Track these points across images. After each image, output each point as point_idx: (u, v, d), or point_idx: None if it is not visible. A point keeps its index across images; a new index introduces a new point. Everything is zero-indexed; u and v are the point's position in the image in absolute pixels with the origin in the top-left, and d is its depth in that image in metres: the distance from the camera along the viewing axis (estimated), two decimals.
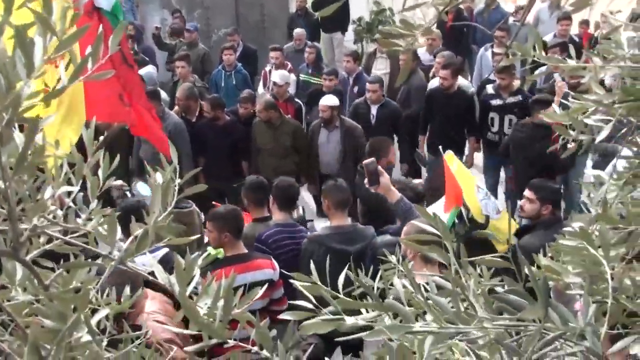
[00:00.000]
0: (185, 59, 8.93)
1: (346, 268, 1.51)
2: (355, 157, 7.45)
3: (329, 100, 7.68)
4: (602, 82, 1.96)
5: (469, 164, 8.17)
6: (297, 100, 8.61)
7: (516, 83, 7.78)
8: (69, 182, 1.34)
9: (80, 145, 1.57)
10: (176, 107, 7.95)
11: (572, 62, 1.90)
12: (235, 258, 4.38)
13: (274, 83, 8.48)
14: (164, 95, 8.46)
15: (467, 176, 5.26)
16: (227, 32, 11.61)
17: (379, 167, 4.36)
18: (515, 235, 4.99)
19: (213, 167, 6.92)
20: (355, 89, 9.05)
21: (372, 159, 4.30)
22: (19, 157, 1.11)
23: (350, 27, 13.17)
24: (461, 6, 10.96)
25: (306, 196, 8.39)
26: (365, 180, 4.36)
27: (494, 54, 9.62)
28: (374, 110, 8.03)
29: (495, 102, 7.76)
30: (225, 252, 4.38)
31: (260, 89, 9.90)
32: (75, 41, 1.11)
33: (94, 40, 1.29)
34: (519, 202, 5.47)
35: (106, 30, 1.55)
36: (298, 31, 11.04)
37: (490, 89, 7.89)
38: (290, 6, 14.40)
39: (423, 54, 9.77)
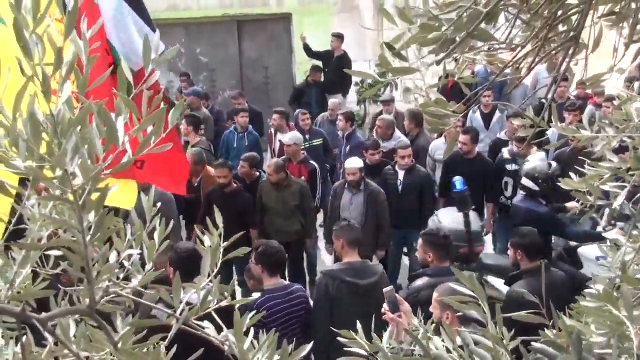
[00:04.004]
0: (185, 120, 9.03)
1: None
2: (377, 221, 7.36)
3: (357, 162, 7.50)
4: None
5: (487, 230, 8.13)
6: (312, 162, 8.47)
7: (533, 150, 7.67)
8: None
9: None
10: None
11: (586, 133, 2.03)
12: None
13: (285, 144, 8.41)
14: None
15: None
16: (232, 96, 11.82)
17: (397, 296, 4.39)
18: (507, 283, 5.43)
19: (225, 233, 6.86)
20: (347, 148, 9.17)
21: (391, 287, 4.33)
22: (96, 224, 1.21)
23: (353, 89, 13.43)
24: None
25: (323, 251, 8.40)
26: (386, 308, 4.35)
27: (492, 108, 9.80)
28: (401, 176, 7.84)
29: (511, 167, 7.76)
30: None
31: (268, 152, 10.01)
32: (161, 124, 1.23)
33: (156, 115, 1.42)
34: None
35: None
36: (334, 101, 10.96)
37: (506, 153, 7.90)
38: (294, 68, 14.77)
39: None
